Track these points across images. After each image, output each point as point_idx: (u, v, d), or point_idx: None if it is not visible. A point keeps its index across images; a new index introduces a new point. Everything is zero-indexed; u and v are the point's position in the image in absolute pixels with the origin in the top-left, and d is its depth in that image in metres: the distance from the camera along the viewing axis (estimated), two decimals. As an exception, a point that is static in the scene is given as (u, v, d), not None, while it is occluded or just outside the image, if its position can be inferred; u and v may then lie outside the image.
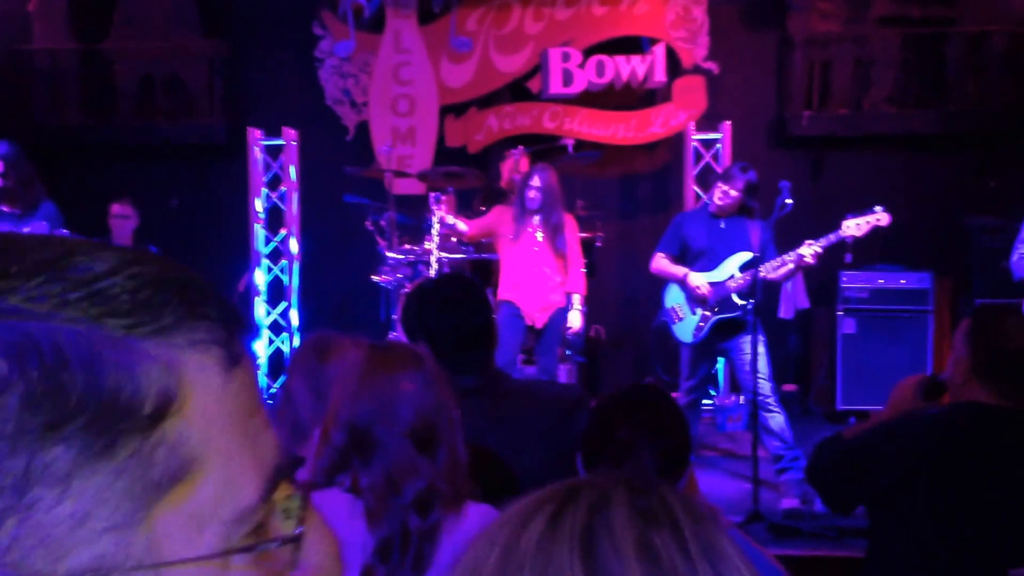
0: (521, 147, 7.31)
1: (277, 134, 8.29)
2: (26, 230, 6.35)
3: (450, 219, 6.32)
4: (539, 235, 6.04)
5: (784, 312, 6.93)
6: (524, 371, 6.51)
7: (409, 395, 1.80)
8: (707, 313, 5.53)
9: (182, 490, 0.49)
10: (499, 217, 6.24)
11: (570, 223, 6.21)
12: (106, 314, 0.48)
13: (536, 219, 6.03)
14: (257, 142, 8.26)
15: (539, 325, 6.05)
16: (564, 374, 6.75)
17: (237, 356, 0.53)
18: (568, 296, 6.11)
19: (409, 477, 1.73)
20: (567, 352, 6.95)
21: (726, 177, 5.60)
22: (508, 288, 6.06)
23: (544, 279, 5.99)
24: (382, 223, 7.24)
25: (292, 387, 2.40)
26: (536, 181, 6.01)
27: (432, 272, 6.27)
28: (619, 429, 2.06)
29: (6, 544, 0.44)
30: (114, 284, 0.49)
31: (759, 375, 5.20)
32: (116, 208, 7.25)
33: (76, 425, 0.45)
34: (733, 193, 5.48)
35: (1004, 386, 2.48)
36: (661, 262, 5.75)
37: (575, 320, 6.12)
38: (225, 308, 0.54)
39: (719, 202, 5.54)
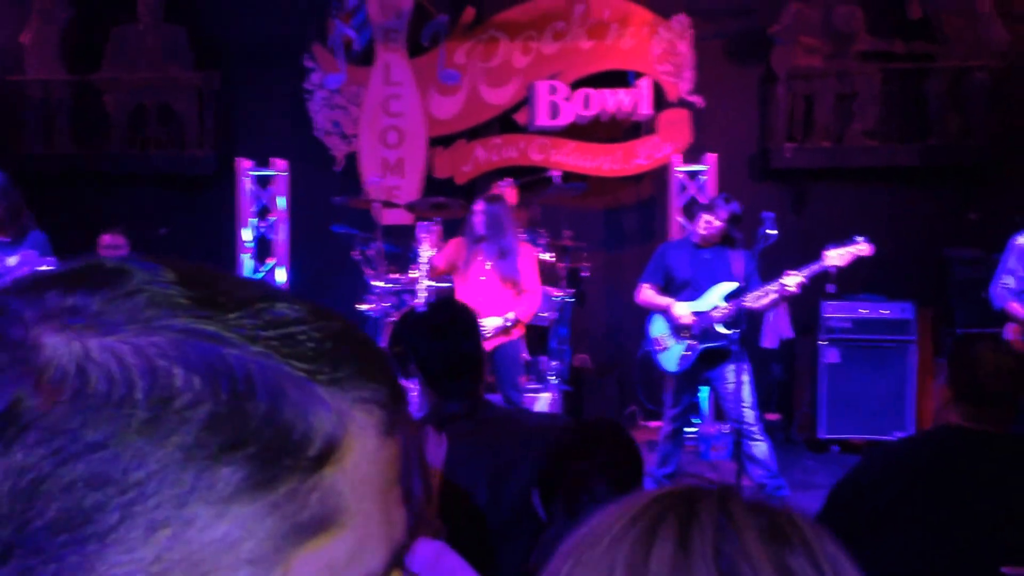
0: (509, 179, 7.39)
1: (266, 164, 8.36)
2: (14, 259, 6.37)
3: (425, 254, 6.30)
4: (487, 264, 6.01)
5: (768, 342, 6.99)
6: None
7: None
8: (691, 342, 5.58)
9: (323, 540, 0.50)
10: (456, 249, 6.21)
11: (525, 251, 6.16)
12: (293, 356, 0.50)
13: (483, 248, 6.02)
14: (246, 172, 8.32)
15: (487, 350, 6.03)
16: (549, 403, 6.79)
17: (395, 425, 0.55)
18: (512, 317, 5.93)
19: None
20: (554, 380, 7.00)
21: (710, 207, 5.68)
22: None
23: (490, 308, 5.83)
24: (370, 253, 7.29)
25: None
26: (479, 206, 6.01)
27: (419, 301, 6.30)
28: (574, 462, 2.11)
29: (155, 555, 0.46)
30: (303, 331, 0.52)
31: (743, 404, 5.26)
32: (107, 239, 7.28)
33: (248, 451, 0.47)
34: (716, 223, 5.56)
35: (978, 410, 2.55)
36: (646, 293, 5.80)
37: (489, 323, 5.79)
38: (393, 378, 0.56)
39: (703, 232, 5.61)
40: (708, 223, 5.59)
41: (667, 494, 0.71)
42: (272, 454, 0.48)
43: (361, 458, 0.52)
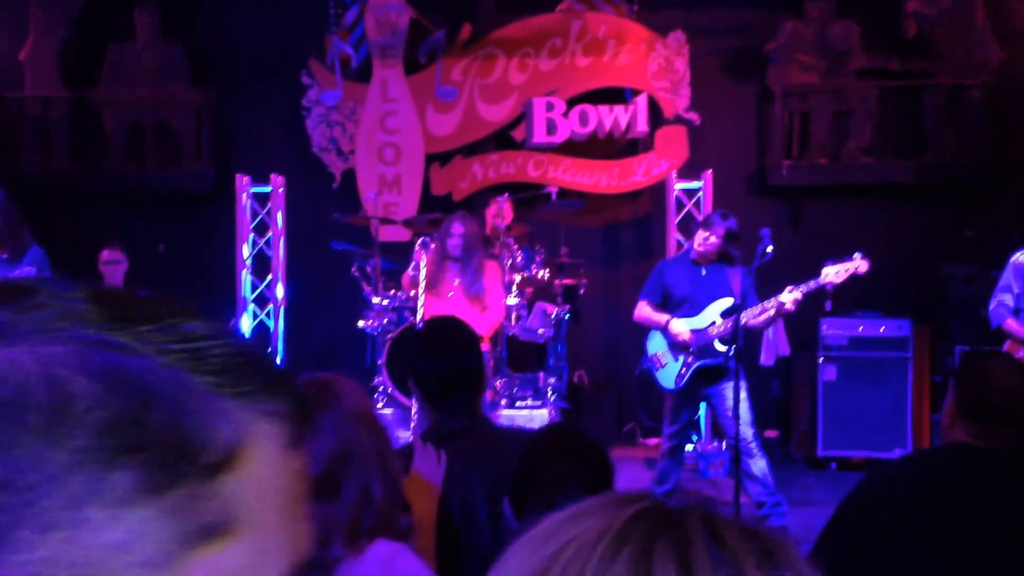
0: (506, 194, 7.39)
1: (265, 181, 8.36)
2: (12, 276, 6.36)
3: (424, 271, 6.31)
4: (456, 281, 6.10)
5: (765, 359, 7.00)
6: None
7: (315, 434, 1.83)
8: (689, 359, 5.58)
9: (219, 546, 0.51)
10: (430, 268, 6.26)
11: (491, 268, 6.25)
12: (199, 369, 0.53)
13: (452, 265, 6.08)
14: (245, 189, 8.33)
15: None
16: (547, 420, 6.77)
17: (299, 441, 0.57)
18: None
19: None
20: (552, 397, 6.99)
21: (707, 224, 5.68)
22: None
23: None
24: (368, 269, 7.30)
25: None
26: (457, 228, 6.08)
27: (418, 318, 6.30)
28: (546, 468, 2.10)
29: (46, 556, 0.47)
30: (211, 346, 0.54)
31: (741, 421, 5.24)
32: (106, 254, 7.31)
33: (144, 457, 0.49)
34: (713, 239, 5.56)
35: (985, 427, 2.52)
36: (644, 310, 5.79)
37: None
38: (300, 397, 0.58)
39: (700, 248, 5.62)
40: (705, 240, 5.59)
41: (644, 513, 0.65)
42: (169, 460, 0.49)
43: (262, 469, 0.53)
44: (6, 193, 6.14)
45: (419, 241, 6.43)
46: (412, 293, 6.54)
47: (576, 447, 2.18)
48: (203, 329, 0.55)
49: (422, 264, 6.29)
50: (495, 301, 6.21)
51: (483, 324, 6.06)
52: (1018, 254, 5.58)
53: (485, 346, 6.10)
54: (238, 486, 0.52)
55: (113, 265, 7.29)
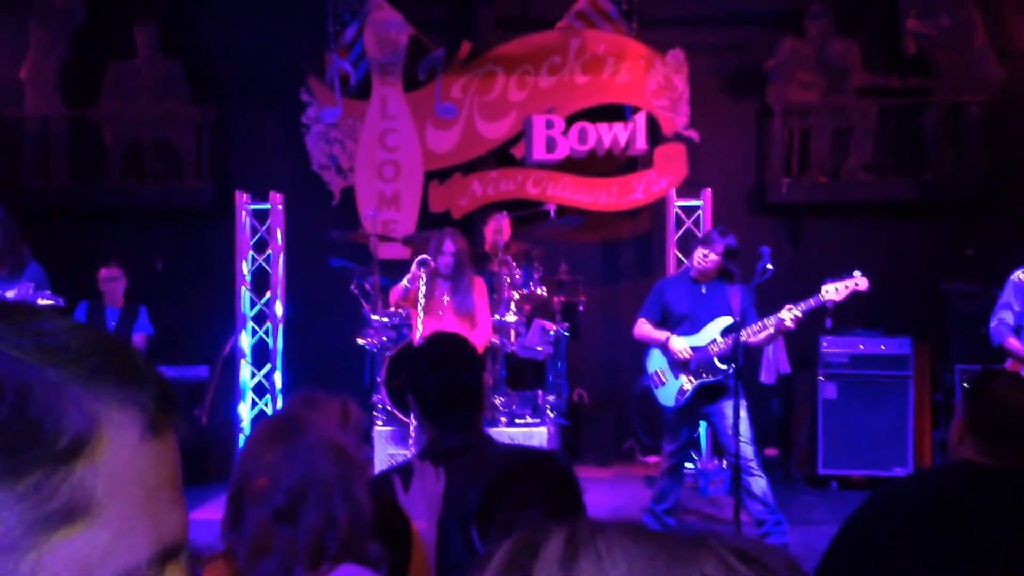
0: (505, 211, 7.39)
1: (264, 198, 8.36)
2: (11, 293, 6.37)
3: (420, 292, 6.31)
4: (445, 299, 6.12)
5: (766, 377, 6.97)
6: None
7: (269, 467, 1.86)
8: (689, 377, 5.56)
9: (74, 530, 0.53)
10: (414, 283, 6.29)
11: (479, 284, 6.28)
12: (48, 361, 0.54)
13: (442, 283, 6.11)
14: (244, 206, 8.32)
15: None
16: (546, 438, 6.75)
17: (159, 428, 0.58)
18: None
19: (267, 545, 1.80)
20: (551, 415, 6.96)
21: (706, 241, 5.68)
22: None
23: None
24: (367, 287, 7.29)
25: None
26: (449, 247, 6.10)
27: (416, 335, 6.29)
28: (510, 494, 2.08)
29: None
30: (62, 341, 0.56)
31: (741, 439, 5.22)
32: (104, 272, 7.36)
33: None
34: (712, 257, 5.55)
35: (996, 445, 2.51)
36: (644, 327, 5.78)
37: None
38: (161, 385, 0.60)
39: (699, 266, 5.61)
40: (704, 257, 5.59)
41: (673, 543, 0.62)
42: (18, 447, 0.51)
43: (117, 455, 0.55)
44: (5, 210, 6.14)
45: (418, 259, 6.42)
46: (394, 308, 6.55)
47: (542, 471, 2.16)
48: (54, 325, 0.57)
49: (421, 283, 6.28)
50: (484, 318, 6.25)
51: (475, 341, 6.05)
52: (1018, 272, 5.58)
53: None
54: (92, 472, 0.54)
55: (112, 283, 7.34)
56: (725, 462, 7.11)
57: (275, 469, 1.87)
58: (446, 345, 2.81)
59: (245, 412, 8.27)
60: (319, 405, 2.02)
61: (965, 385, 2.71)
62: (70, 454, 0.53)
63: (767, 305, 5.44)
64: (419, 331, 6.20)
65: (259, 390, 8.42)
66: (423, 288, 6.22)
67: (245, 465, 1.90)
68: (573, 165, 8.75)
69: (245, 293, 8.36)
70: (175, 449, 0.61)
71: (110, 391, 0.56)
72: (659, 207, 8.68)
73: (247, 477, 1.88)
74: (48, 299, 6.54)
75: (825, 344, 7.58)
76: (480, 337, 6.16)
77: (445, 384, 2.65)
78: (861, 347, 7.56)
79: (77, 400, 0.54)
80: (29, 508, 0.51)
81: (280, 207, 8.40)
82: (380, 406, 6.79)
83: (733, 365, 5.25)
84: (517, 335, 7.05)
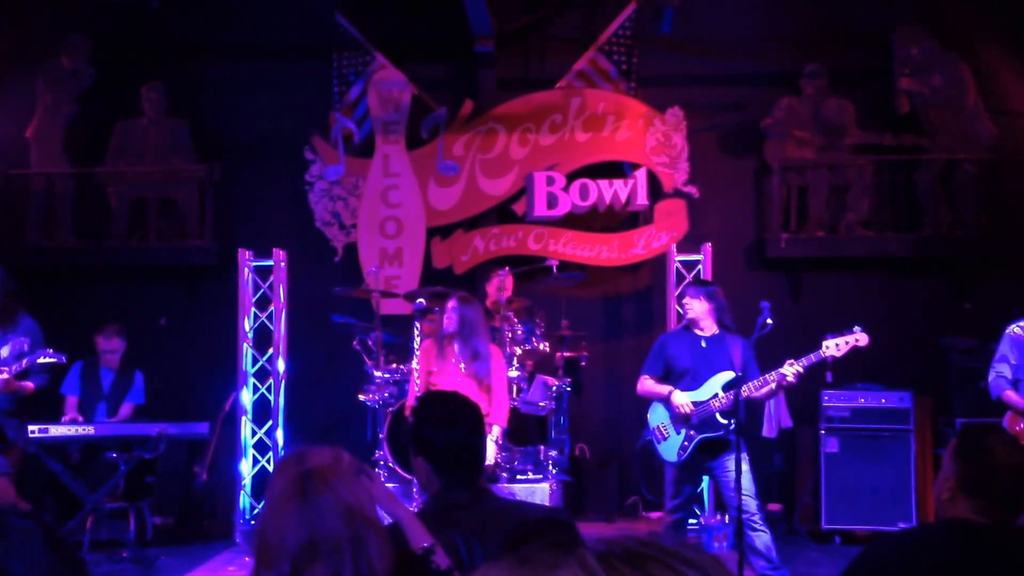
0: (507, 267, 7.45)
1: (267, 255, 8.41)
2: (5, 349, 6.42)
3: (415, 343, 6.34)
4: (461, 366, 6.09)
5: (768, 431, 6.98)
6: None
7: (283, 527, 1.90)
8: (691, 432, 5.57)
9: None
10: (426, 353, 6.28)
11: (496, 354, 6.24)
12: None
13: (456, 348, 6.09)
14: (247, 263, 8.37)
15: None
16: (549, 494, 6.74)
17: None
18: (489, 427, 5.97)
19: None
20: (553, 471, 6.96)
21: (683, 293, 5.85)
22: None
23: None
24: (369, 343, 7.32)
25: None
26: (452, 304, 6.13)
27: (414, 390, 6.30)
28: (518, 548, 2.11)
29: None
30: None
31: (744, 493, 5.22)
32: (102, 343, 7.38)
33: None
34: (697, 305, 5.64)
35: (989, 503, 2.49)
36: (647, 383, 5.79)
37: (489, 451, 5.91)
38: None
39: (687, 316, 5.73)
40: (687, 308, 5.70)
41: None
42: None
43: None
44: (3, 268, 6.23)
45: (415, 308, 6.45)
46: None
47: (548, 525, 2.19)
48: None
49: (416, 336, 6.29)
50: (501, 387, 6.21)
51: (498, 413, 6.13)
52: (1013, 325, 5.64)
53: (501, 435, 6.19)
54: None
55: (110, 354, 7.41)
56: (728, 517, 7.09)
57: (286, 531, 1.90)
58: (454, 403, 2.84)
59: (246, 469, 8.25)
60: (311, 461, 2.04)
61: (953, 441, 2.68)
62: None
63: (767, 359, 5.47)
64: (419, 385, 6.22)
65: (260, 447, 8.40)
66: (417, 341, 6.23)
67: (258, 525, 1.95)
68: (574, 221, 8.83)
69: (247, 350, 8.38)
70: None
71: None
72: (660, 262, 8.73)
73: (263, 534, 1.92)
74: (50, 357, 6.57)
75: (826, 398, 7.59)
76: (502, 410, 6.18)
77: (458, 441, 2.68)
78: (862, 401, 7.57)
79: None
80: None
81: (283, 264, 8.45)
82: (382, 463, 6.79)
83: (735, 420, 5.26)
84: (519, 391, 7.07)
